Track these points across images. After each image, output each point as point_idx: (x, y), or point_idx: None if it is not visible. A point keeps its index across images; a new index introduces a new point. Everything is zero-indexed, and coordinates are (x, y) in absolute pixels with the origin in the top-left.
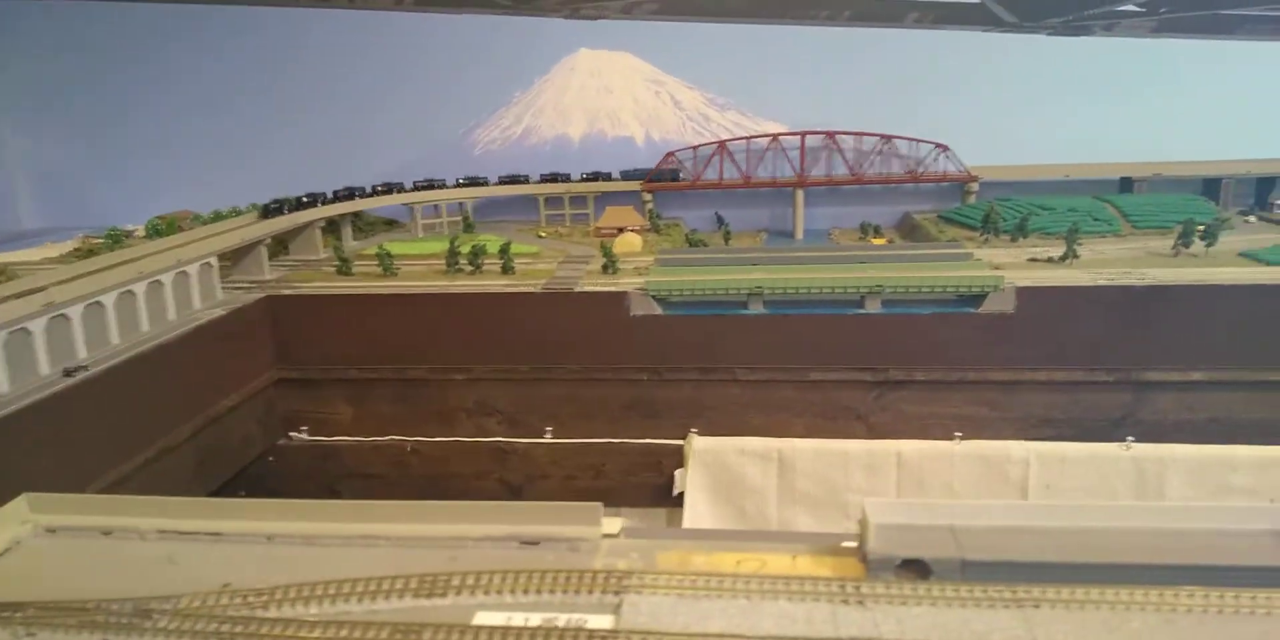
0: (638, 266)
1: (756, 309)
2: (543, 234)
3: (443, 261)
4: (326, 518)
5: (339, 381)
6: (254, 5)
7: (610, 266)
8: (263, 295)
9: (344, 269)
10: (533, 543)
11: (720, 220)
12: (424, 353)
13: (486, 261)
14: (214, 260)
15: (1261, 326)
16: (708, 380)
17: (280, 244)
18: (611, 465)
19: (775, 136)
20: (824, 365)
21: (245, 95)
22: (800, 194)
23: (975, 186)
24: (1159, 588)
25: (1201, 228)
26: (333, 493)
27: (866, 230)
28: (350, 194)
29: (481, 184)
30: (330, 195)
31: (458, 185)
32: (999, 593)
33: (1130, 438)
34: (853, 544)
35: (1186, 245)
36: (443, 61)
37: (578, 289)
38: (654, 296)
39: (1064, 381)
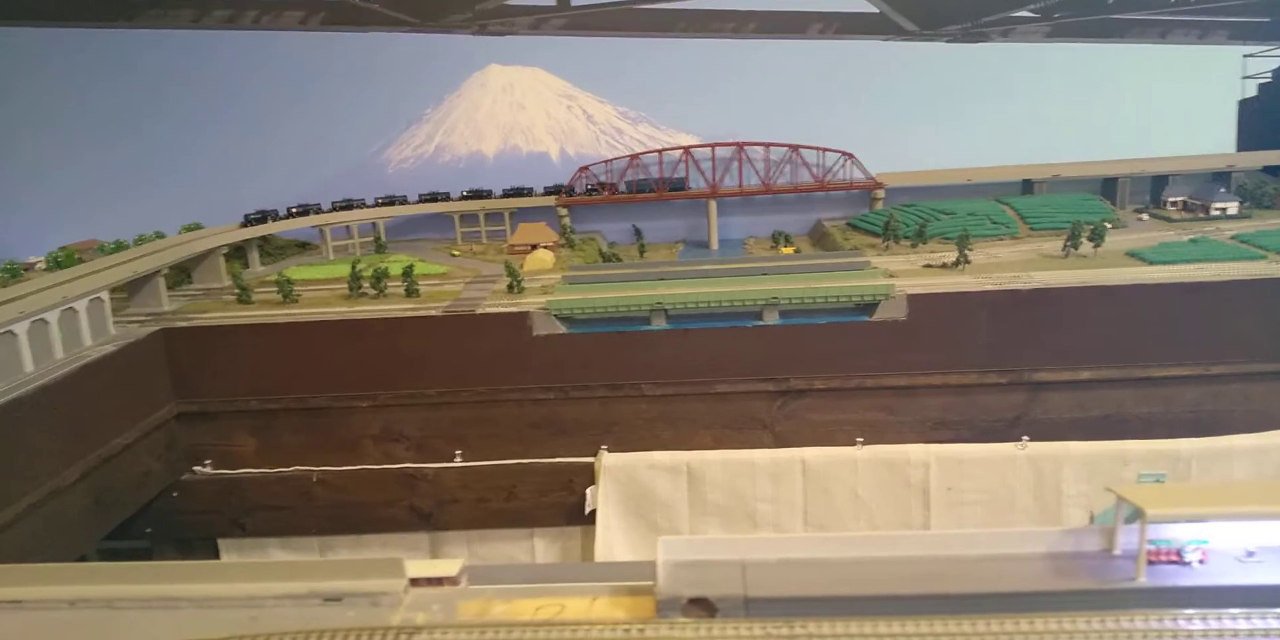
0: (545, 285)
1: (659, 324)
2: (456, 252)
3: (347, 286)
4: (128, 580)
5: (240, 413)
6: (158, 28)
7: (515, 286)
8: (157, 328)
9: (244, 297)
10: (335, 599)
11: (638, 233)
12: (326, 380)
13: (390, 284)
14: (105, 294)
15: (1145, 324)
16: (615, 396)
17: (183, 273)
18: (523, 486)
19: (687, 149)
20: (728, 377)
21: (151, 118)
22: (714, 205)
23: (881, 193)
24: (942, 618)
25: (1090, 228)
26: (238, 526)
27: (778, 239)
28: (262, 217)
29: (402, 202)
30: (285, 212)
31: (377, 204)
32: (778, 629)
33: (1025, 437)
34: (650, 582)
35: (1075, 247)
36: (350, 80)
37: (480, 310)
38: (556, 315)
39: (958, 384)
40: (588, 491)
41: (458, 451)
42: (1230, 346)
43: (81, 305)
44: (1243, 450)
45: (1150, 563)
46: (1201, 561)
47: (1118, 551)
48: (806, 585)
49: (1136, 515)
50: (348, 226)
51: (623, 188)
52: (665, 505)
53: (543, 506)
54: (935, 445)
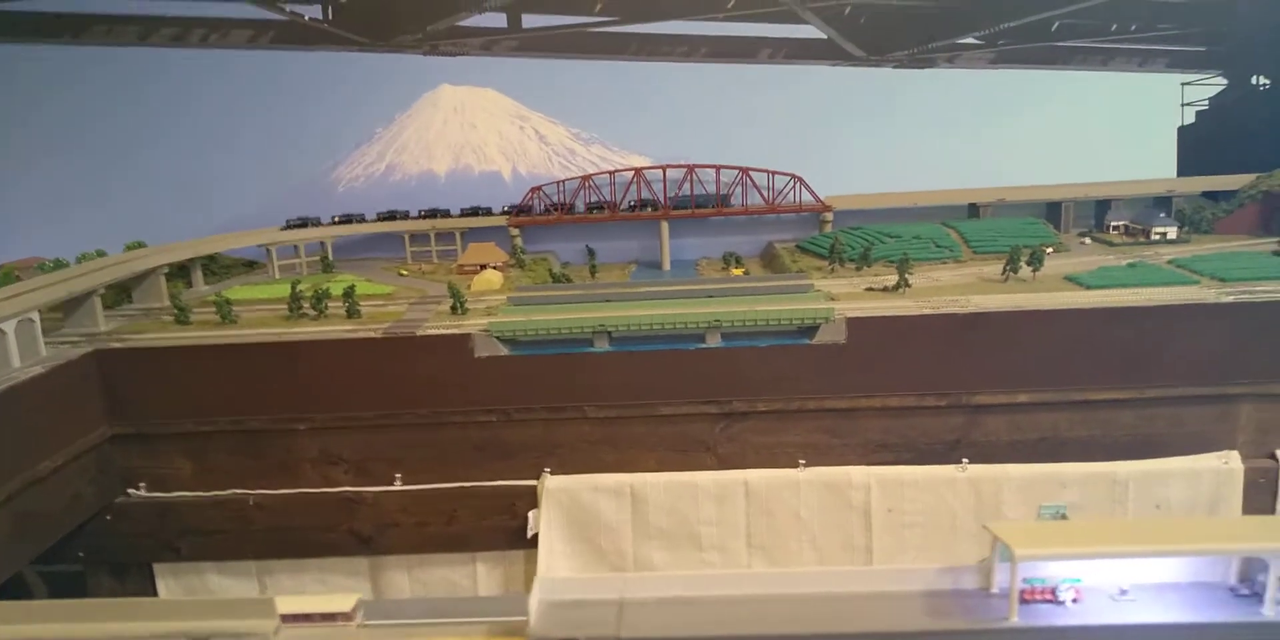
0: (490, 306)
1: (603, 346)
2: (404, 272)
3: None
4: None
5: (176, 435)
6: (106, 45)
7: (458, 307)
8: (90, 349)
9: (181, 318)
10: None
11: (590, 253)
12: (263, 402)
13: (331, 305)
14: (35, 315)
15: (1081, 348)
16: (558, 419)
17: (123, 292)
18: (464, 510)
19: (638, 170)
20: (672, 399)
21: (99, 136)
22: (665, 226)
23: (830, 216)
24: None
25: (1028, 253)
26: (173, 551)
27: (729, 261)
28: (303, 222)
29: (359, 221)
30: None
31: (333, 223)
32: None
33: (965, 459)
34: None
35: (1015, 271)
36: (300, 99)
37: (420, 332)
38: (498, 337)
39: (898, 407)
40: (530, 515)
41: (398, 475)
42: (1164, 370)
43: (9, 326)
44: (1177, 472)
45: (1024, 602)
46: (1075, 600)
47: (995, 590)
48: (681, 626)
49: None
50: (295, 245)
51: (579, 208)
52: (609, 528)
53: (484, 530)
54: (876, 467)
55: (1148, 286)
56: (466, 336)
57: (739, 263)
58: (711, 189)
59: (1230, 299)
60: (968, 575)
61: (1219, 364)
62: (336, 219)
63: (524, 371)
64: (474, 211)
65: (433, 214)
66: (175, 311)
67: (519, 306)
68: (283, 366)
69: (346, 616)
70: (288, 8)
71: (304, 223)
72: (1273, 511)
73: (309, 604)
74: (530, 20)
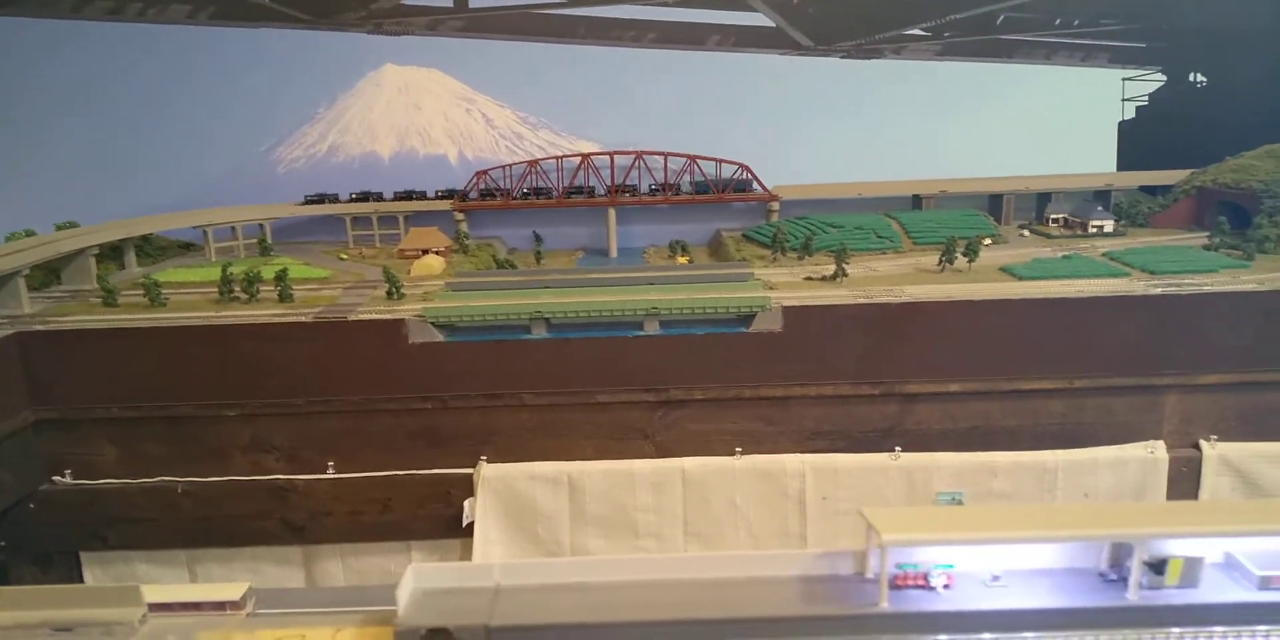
0: (427, 292)
1: (540, 333)
2: (344, 256)
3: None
4: None
5: (102, 421)
6: (34, 18)
7: (394, 292)
8: (11, 332)
9: (109, 300)
10: (65, 629)
11: (537, 239)
12: (192, 388)
13: (264, 288)
14: None
15: (1011, 338)
16: (495, 406)
17: (52, 274)
18: (399, 498)
19: (586, 156)
20: (609, 387)
21: (25, 109)
22: (613, 213)
23: (776, 205)
24: None
25: (964, 244)
26: (100, 539)
27: (675, 249)
28: (320, 198)
29: (377, 199)
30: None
31: (351, 200)
32: None
33: (898, 447)
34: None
35: (950, 261)
36: (239, 77)
37: (353, 317)
38: (433, 323)
39: (833, 395)
40: (466, 503)
41: (330, 462)
42: (1093, 361)
43: None
44: (1105, 462)
45: (897, 587)
46: (946, 586)
47: (870, 575)
48: (554, 613)
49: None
50: (232, 227)
51: (518, 194)
52: (546, 516)
53: (420, 519)
54: (811, 455)
55: (1080, 278)
56: (400, 322)
57: (685, 251)
58: (660, 176)
59: (1157, 291)
60: (844, 561)
61: (1146, 355)
62: (354, 196)
63: (460, 358)
64: (408, 195)
65: (363, 197)
66: (103, 293)
67: (457, 292)
68: (212, 351)
69: (236, 605)
70: None
71: (321, 199)
72: (1195, 499)
73: (198, 592)
74: (477, 0)
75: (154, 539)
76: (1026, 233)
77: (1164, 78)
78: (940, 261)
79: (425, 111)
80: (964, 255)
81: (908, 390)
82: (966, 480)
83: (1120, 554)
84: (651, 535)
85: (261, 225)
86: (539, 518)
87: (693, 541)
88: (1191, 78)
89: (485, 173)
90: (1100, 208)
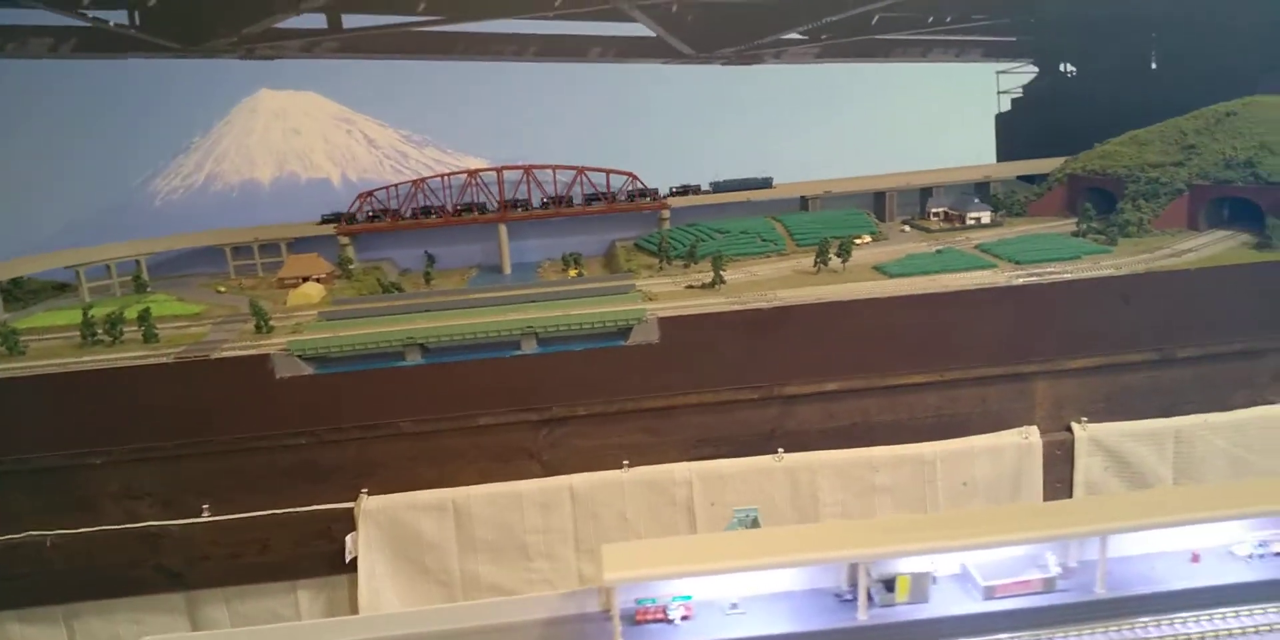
0: (300, 323)
1: (415, 359)
2: (222, 289)
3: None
4: None
5: None
6: None
7: (262, 326)
8: None
9: None
10: None
11: (429, 259)
12: (54, 437)
13: (129, 329)
14: None
15: (882, 335)
16: (373, 437)
17: None
18: (279, 537)
19: (474, 172)
20: (490, 409)
21: None
22: (504, 228)
23: (667, 213)
24: None
25: (837, 244)
26: None
27: (568, 262)
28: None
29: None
30: None
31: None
32: None
33: (781, 449)
34: None
35: (825, 262)
36: (108, 110)
37: (215, 355)
38: (300, 356)
39: (714, 402)
40: (348, 538)
41: (205, 505)
42: (963, 353)
43: None
44: (981, 450)
45: (639, 622)
46: (685, 617)
47: (612, 613)
48: None
49: None
50: (107, 265)
51: (407, 213)
52: (432, 546)
53: (303, 557)
54: (696, 463)
55: (948, 272)
56: (265, 357)
57: (578, 263)
58: (550, 190)
59: (1020, 281)
60: (590, 599)
61: (1014, 344)
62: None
63: (331, 390)
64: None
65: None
66: None
67: (330, 322)
68: (72, 398)
69: None
70: (90, 13)
71: (337, 217)
72: (1070, 480)
73: None
74: (352, 20)
75: (25, 596)
76: (908, 228)
77: (1036, 69)
78: (816, 263)
79: (304, 135)
80: (837, 255)
81: (787, 392)
82: (849, 476)
83: (856, 573)
84: (543, 556)
85: (138, 261)
86: (426, 548)
87: (585, 559)
88: (1062, 68)
89: (370, 194)
90: (977, 200)
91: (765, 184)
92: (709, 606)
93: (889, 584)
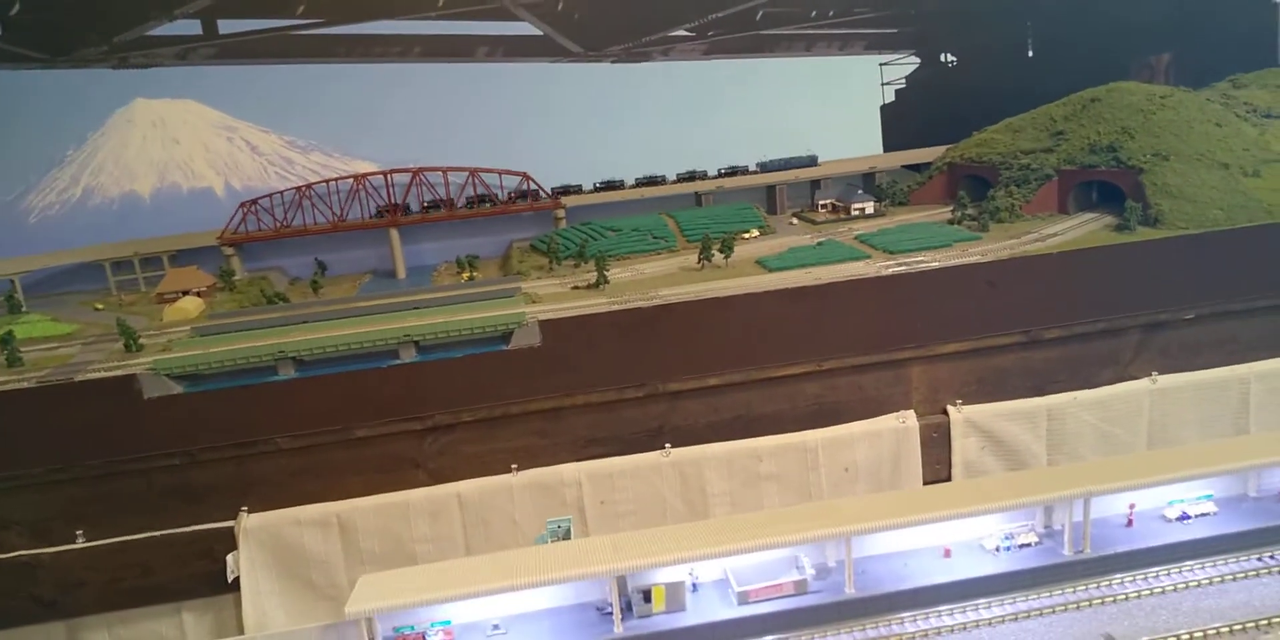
0: (173, 339)
1: (288, 373)
2: (99, 306)
3: None
4: None
5: None
6: None
7: (131, 345)
8: None
9: None
10: None
11: (320, 266)
12: None
13: None
14: None
15: (760, 329)
16: (250, 454)
17: None
18: (158, 560)
19: (361, 177)
20: (369, 421)
21: None
22: (395, 233)
23: (562, 213)
24: None
25: (719, 241)
26: None
27: (463, 265)
28: None
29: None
30: None
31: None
32: None
33: (668, 444)
34: None
35: (708, 258)
36: None
37: (79, 377)
38: (168, 375)
39: (601, 402)
40: (229, 558)
41: (79, 531)
42: (839, 343)
43: None
44: (860, 435)
45: None
46: None
47: None
48: None
49: None
50: None
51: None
52: (318, 561)
53: (185, 579)
54: (585, 463)
55: (825, 265)
56: (131, 378)
57: (473, 266)
58: (442, 192)
59: (889, 272)
60: (350, 631)
61: (888, 332)
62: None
63: (202, 408)
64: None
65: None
66: None
67: (205, 338)
68: None
69: None
70: None
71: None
72: (949, 461)
73: None
74: (228, 26)
75: None
76: (795, 221)
77: (918, 60)
78: (699, 260)
79: (184, 144)
80: (719, 251)
81: (671, 389)
82: (735, 467)
83: (621, 586)
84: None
85: (12, 280)
86: (311, 563)
87: None
88: (943, 58)
89: (253, 202)
90: (860, 191)
91: (811, 162)
92: (471, 629)
93: (647, 594)
